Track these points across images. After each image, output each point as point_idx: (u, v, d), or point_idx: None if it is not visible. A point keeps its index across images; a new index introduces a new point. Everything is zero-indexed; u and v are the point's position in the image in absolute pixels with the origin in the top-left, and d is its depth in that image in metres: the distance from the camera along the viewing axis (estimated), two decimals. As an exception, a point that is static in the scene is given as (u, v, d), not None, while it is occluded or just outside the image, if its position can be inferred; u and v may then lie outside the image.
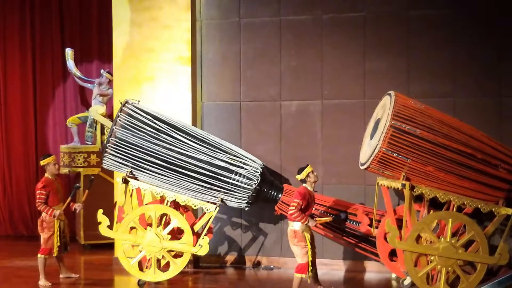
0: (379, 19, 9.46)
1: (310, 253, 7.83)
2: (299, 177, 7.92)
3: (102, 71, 11.59)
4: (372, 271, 9.27)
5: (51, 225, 8.78)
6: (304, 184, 7.91)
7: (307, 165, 7.98)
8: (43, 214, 8.82)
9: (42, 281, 8.75)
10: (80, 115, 11.82)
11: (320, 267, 8.50)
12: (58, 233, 8.81)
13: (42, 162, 8.96)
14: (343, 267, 9.47)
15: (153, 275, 8.58)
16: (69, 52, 11.68)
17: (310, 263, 7.83)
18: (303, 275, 7.86)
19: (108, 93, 11.39)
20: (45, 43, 12.75)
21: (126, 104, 8.67)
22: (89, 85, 11.82)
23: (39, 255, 8.81)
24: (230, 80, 9.95)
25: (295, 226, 7.85)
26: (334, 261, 9.41)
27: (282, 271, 9.55)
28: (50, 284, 8.74)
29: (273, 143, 9.78)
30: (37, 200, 8.82)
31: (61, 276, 9.16)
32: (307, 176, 7.88)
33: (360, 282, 9.08)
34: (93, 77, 11.93)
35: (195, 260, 9.69)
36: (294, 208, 7.72)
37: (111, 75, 11.38)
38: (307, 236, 7.87)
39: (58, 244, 8.83)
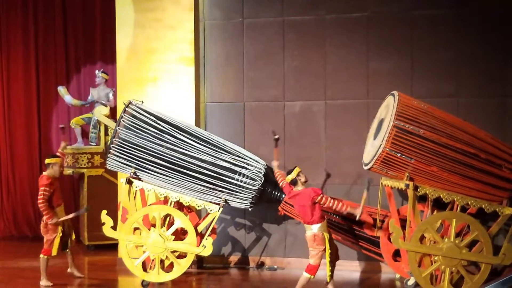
0: (382, 19, 9.45)
1: (328, 254, 7.80)
2: (289, 177, 7.89)
3: (97, 71, 11.59)
4: (385, 272, 9.24)
5: (55, 227, 8.79)
6: (296, 188, 7.89)
7: (295, 166, 7.96)
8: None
9: (43, 281, 8.77)
10: (84, 116, 11.82)
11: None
12: (61, 234, 8.82)
13: (47, 161, 8.94)
14: (358, 268, 9.47)
15: (157, 275, 8.58)
16: (61, 89, 11.62)
17: (328, 263, 7.82)
18: (311, 276, 7.86)
19: (109, 98, 11.40)
20: (48, 44, 12.78)
21: (129, 105, 8.68)
22: (89, 98, 11.75)
23: (41, 256, 8.83)
24: (233, 80, 9.95)
25: (314, 229, 7.82)
26: (348, 261, 9.36)
27: (286, 272, 9.54)
28: (51, 284, 8.75)
29: (277, 143, 9.78)
30: (39, 198, 8.72)
31: (68, 270, 9.26)
32: (298, 176, 7.87)
33: (367, 283, 9.07)
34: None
35: (199, 261, 9.70)
36: (324, 198, 7.70)
37: (107, 74, 11.43)
38: (326, 235, 7.83)
39: (58, 245, 8.83)
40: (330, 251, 7.83)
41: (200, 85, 9.94)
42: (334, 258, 8.00)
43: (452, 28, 9.22)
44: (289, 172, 7.94)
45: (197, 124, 9.71)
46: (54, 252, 8.85)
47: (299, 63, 9.75)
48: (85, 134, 11.75)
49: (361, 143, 8.71)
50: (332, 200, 7.74)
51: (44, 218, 8.81)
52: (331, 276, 7.99)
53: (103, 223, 8.63)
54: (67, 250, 9.09)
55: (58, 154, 9.23)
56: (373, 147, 8.16)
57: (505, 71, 9.09)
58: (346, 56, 9.59)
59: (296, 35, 9.75)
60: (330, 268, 7.88)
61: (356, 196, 9.30)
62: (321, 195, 7.75)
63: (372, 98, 9.36)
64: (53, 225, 8.78)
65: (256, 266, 9.81)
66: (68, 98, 11.61)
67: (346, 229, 8.90)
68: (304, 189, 7.87)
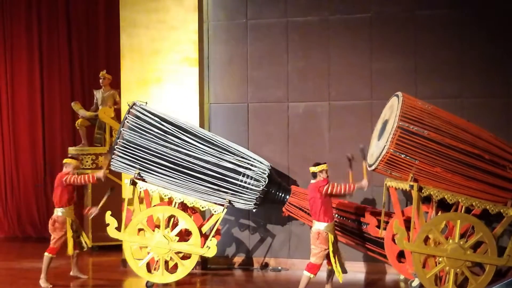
0: (385, 19, 9.45)
1: (332, 254, 7.79)
2: (312, 169, 7.92)
3: (100, 74, 11.58)
4: (389, 273, 9.23)
5: (63, 225, 8.81)
6: (312, 180, 7.94)
7: (325, 162, 8.00)
8: (55, 214, 8.85)
9: (42, 281, 8.77)
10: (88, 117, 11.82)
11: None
12: (71, 232, 8.82)
13: (64, 160, 9.01)
14: (363, 269, 9.46)
15: (161, 276, 8.59)
16: (74, 105, 11.72)
17: (333, 264, 7.81)
18: (312, 275, 7.86)
19: (116, 100, 11.42)
20: (52, 46, 12.82)
21: (133, 106, 8.69)
22: (95, 102, 11.76)
23: (46, 254, 8.84)
24: (237, 81, 9.96)
25: (320, 227, 7.83)
26: (352, 262, 9.32)
27: (290, 273, 9.54)
28: (51, 286, 8.76)
29: (280, 144, 9.78)
30: (73, 179, 8.72)
31: (71, 273, 9.26)
32: (321, 171, 7.89)
33: (371, 284, 9.07)
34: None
35: (203, 262, 9.70)
36: (330, 187, 7.73)
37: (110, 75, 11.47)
38: (331, 237, 7.83)
39: (72, 243, 8.87)
40: (333, 255, 7.81)
41: (204, 86, 9.95)
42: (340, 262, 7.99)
43: (456, 28, 9.22)
44: (316, 164, 7.95)
45: (201, 125, 9.71)
46: (70, 250, 8.88)
47: (302, 64, 9.76)
48: (90, 135, 11.76)
49: (365, 144, 8.69)
50: (338, 186, 7.76)
51: (54, 215, 8.85)
52: (330, 278, 8.02)
53: (108, 224, 8.64)
54: (83, 250, 9.11)
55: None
56: (377, 148, 8.16)
57: (509, 72, 9.08)
58: (350, 57, 9.59)
59: (300, 36, 9.75)
60: (336, 266, 7.88)
61: (360, 197, 9.32)
62: (328, 184, 7.76)
63: (375, 99, 9.35)
64: (61, 223, 8.79)
65: (260, 267, 9.82)
66: (82, 112, 11.66)
67: (350, 230, 8.89)
68: (310, 185, 7.92)
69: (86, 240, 9.10)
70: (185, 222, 8.59)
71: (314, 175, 7.95)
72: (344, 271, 7.95)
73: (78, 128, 11.76)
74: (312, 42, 9.72)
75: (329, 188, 7.74)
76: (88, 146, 11.60)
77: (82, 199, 11.73)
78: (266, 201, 8.83)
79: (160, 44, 9.85)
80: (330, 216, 7.85)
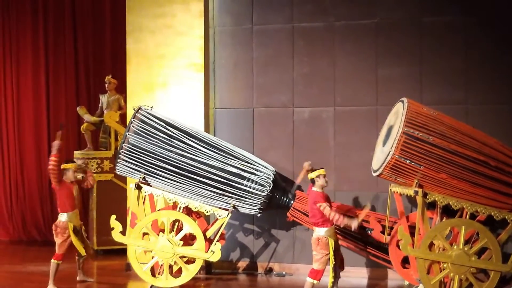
0: (391, 25, 9.46)
1: (331, 260, 7.81)
2: (310, 175, 8.02)
3: (106, 78, 11.61)
4: (393, 278, 9.21)
5: (64, 231, 8.82)
6: (313, 188, 7.99)
7: (322, 168, 8.04)
8: (58, 219, 8.86)
9: (50, 286, 8.78)
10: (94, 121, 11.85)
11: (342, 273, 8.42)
12: (75, 236, 8.82)
13: (62, 166, 8.99)
14: (365, 275, 9.44)
15: (165, 281, 8.59)
16: (80, 110, 11.79)
17: (332, 270, 7.82)
18: (315, 281, 7.87)
19: (121, 105, 11.43)
20: (58, 50, 12.84)
21: (139, 110, 8.71)
22: (100, 106, 11.80)
23: (52, 260, 8.85)
24: (242, 86, 9.97)
25: (319, 232, 7.86)
26: (356, 268, 9.33)
27: (294, 278, 9.54)
28: None
29: (286, 149, 9.79)
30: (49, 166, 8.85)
31: (77, 278, 9.26)
32: (317, 177, 7.93)
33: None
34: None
35: (207, 266, 9.70)
36: (328, 211, 7.73)
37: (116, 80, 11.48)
38: (331, 242, 7.85)
39: (83, 245, 8.90)
40: (334, 261, 7.83)
41: (209, 91, 9.97)
42: (338, 267, 8.00)
43: (462, 34, 9.22)
44: (313, 170, 8.05)
45: (206, 129, 9.73)
46: (83, 252, 8.89)
47: (308, 69, 9.77)
48: (95, 139, 11.79)
49: (370, 150, 8.70)
50: (330, 212, 7.75)
51: (57, 220, 8.88)
52: (334, 284, 8.02)
53: (112, 228, 8.64)
54: (83, 256, 9.10)
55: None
56: (382, 154, 8.15)
57: (515, 78, 9.09)
58: (355, 62, 9.60)
59: (306, 41, 9.76)
60: (333, 274, 7.90)
61: (364, 202, 9.28)
62: (321, 203, 7.78)
63: (381, 104, 9.35)
64: (62, 227, 8.81)
65: (265, 272, 9.81)
66: (87, 116, 11.70)
67: (354, 236, 8.89)
68: (316, 191, 7.95)
69: (86, 248, 9.08)
70: (190, 226, 8.60)
71: (312, 181, 8.00)
72: (337, 276, 8.00)
73: (83, 132, 11.79)
74: (317, 47, 9.73)
75: (324, 210, 7.77)
76: (94, 150, 11.64)
77: (87, 203, 11.77)
78: (271, 206, 8.84)
79: (166, 49, 9.88)
80: (329, 220, 7.86)
